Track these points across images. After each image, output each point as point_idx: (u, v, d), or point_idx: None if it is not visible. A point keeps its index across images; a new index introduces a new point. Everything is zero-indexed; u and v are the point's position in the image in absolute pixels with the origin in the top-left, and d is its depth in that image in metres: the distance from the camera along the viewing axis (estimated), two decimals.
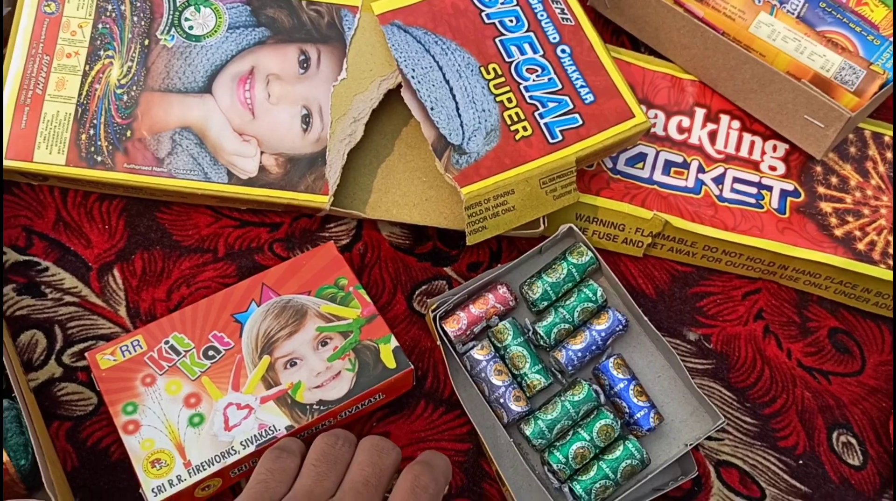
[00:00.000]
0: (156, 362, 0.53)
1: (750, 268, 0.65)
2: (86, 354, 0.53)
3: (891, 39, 0.68)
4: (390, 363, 0.53)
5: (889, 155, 0.69)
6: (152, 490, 0.49)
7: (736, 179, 0.66)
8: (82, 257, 0.57)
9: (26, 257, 0.57)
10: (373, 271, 0.60)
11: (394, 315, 0.59)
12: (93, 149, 0.56)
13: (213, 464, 0.50)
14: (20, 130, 0.56)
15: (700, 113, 0.68)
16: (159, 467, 0.50)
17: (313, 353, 0.53)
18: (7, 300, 0.56)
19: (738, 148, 0.67)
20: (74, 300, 0.56)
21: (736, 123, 0.68)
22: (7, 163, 0.55)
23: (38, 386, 0.53)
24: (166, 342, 0.53)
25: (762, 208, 0.65)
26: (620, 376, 0.58)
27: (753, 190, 0.66)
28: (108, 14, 0.59)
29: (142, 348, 0.53)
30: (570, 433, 0.56)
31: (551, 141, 0.59)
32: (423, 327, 0.59)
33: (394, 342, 0.55)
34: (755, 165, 0.67)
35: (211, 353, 0.53)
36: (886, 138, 0.69)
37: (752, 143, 0.68)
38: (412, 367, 0.54)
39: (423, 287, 0.61)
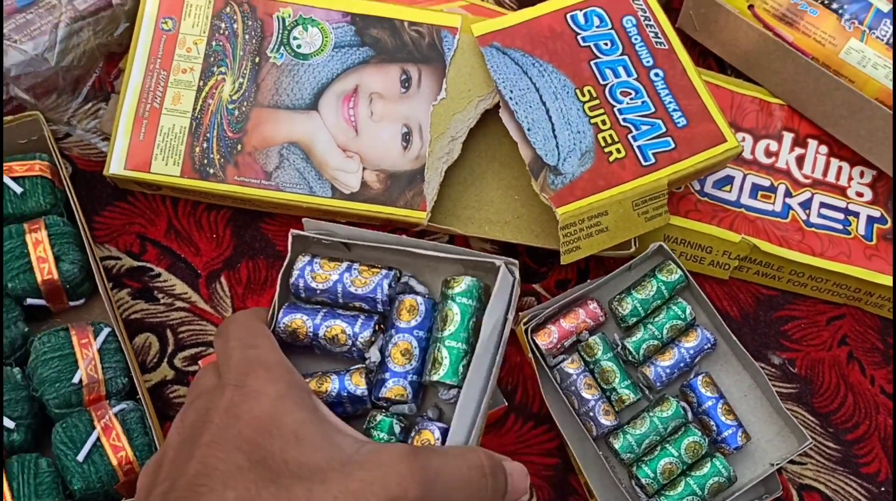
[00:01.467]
0: None
1: (835, 294, 0.65)
2: (199, 361, 0.56)
3: None
4: None
5: None
6: None
7: (823, 205, 0.67)
8: (192, 264, 0.60)
9: (140, 263, 0.60)
10: None
11: None
12: (206, 161, 0.59)
13: None
14: (139, 141, 0.59)
15: (788, 137, 0.69)
16: None
17: None
18: (123, 304, 0.58)
19: (825, 173, 0.68)
20: (185, 306, 0.59)
21: (823, 148, 0.69)
22: (126, 173, 0.58)
23: (152, 387, 0.56)
24: None
25: (849, 233, 0.66)
26: (709, 394, 0.59)
27: (840, 215, 0.66)
28: (221, 32, 0.62)
29: None
30: (659, 448, 0.58)
31: (644, 163, 0.60)
32: (513, 341, 0.61)
33: None
34: (842, 191, 0.67)
35: None
36: None
37: (840, 168, 0.68)
38: (506, 404, 0.56)
39: None
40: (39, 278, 0.53)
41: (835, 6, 0.69)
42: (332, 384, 0.44)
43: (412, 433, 0.45)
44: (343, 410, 0.45)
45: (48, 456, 0.49)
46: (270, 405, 0.37)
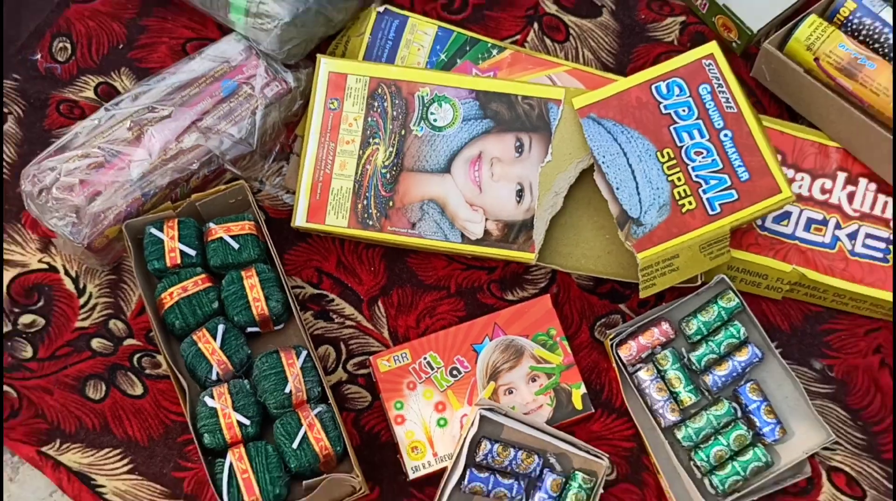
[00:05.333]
0: (416, 372, 0.75)
1: (872, 311, 0.79)
2: (368, 358, 0.76)
3: None
4: (578, 405, 0.74)
5: None
6: (412, 468, 0.72)
7: (868, 235, 0.80)
8: (356, 291, 0.80)
9: (318, 291, 0.80)
10: (564, 308, 0.79)
11: (579, 342, 0.79)
12: (366, 215, 0.77)
13: (450, 458, 0.72)
14: (316, 200, 0.78)
15: (841, 176, 0.81)
16: (417, 452, 0.73)
17: (525, 386, 0.74)
18: (308, 323, 0.79)
19: (872, 207, 0.81)
20: (353, 324, 0.79)
21: (873, 186, 0.81)
22: (307, 225, 0.77)
23: (332, 386, 0.77)
24: (424, 358, 0.75)
25: (888, 261, 0.79)
26: (754, 398, 0.75)
27: (882, 245, 0.79)
28: (374, 110, 0.79)
29: (408, 359, 0.76)
30: (712, 438, 0.75)
31: (711, 213, 0.75)
32: (601, 352, 0.78)
33: (583, 389, 0.75)
34: (886, 222, 0.80)
35: (455, 372, 0.75)
36: None
37: (886, 203, 0.81)
38: (593, 410, 0.74)
39: (602, 320, 0.80)
40: (255, 313, 0.73)
41: (891, 58, 0.80)
42: None
43: None
44: None
45: (271, 444, 0.70)
46: None
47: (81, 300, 0.80)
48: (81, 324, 0.79)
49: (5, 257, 0.81)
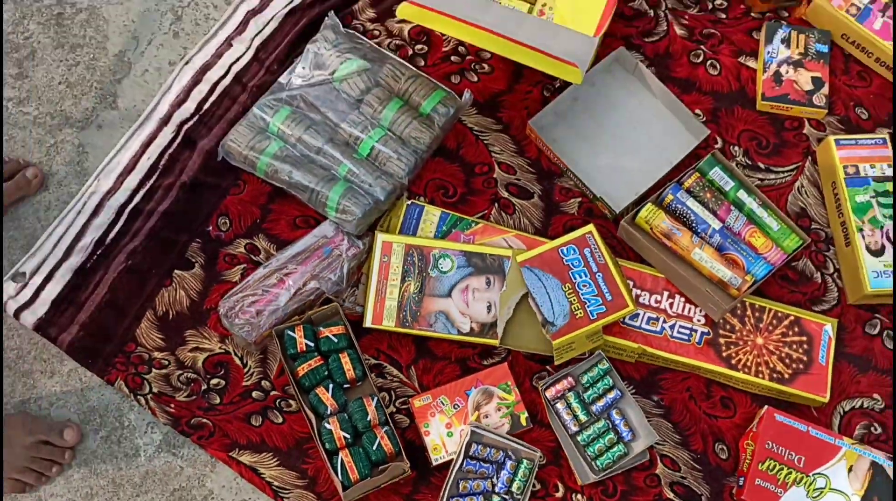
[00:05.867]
0: (435, 407, 1.37)
1: (683, 367, 1.43)
2: (409, 399, 1.38)
3: (767, 259, 1.43)
4: (524, 423, 1.37)
5: (751, 314, 1.44)
6: (434, 459, 1.35)
7: (680, 327, 1.44)
8: (399, 361, 1.42)
9: (378, 362, 1.42)
10: (515, 368, 1.42)
11: (524, 388, 1.41)
12: (404, 320, 1.40)
13: (455, 453, 1.34)
14: (377, 311, 1.40)
15: (665, 293, 1.46)
16: (436, 451, 1.35)
17: (495, 412, 1.37)
18: (376, 382, 1.41)
19: (682, 310, 1.45)
20: (398, 380, 1.41)
21: (682, 299, 1.45)
22: (372, 325, 1.39)
23: (389, 415, 1.39)
24: (439, 399, 1.37)
25: (690, 340, 1.43)
26: (618, 417, 1.39)
27: (687, 332, 1.43)
28: (408, 262, 1.41)
29: (430, 400, 1.38)
30: (595, 440, 1.38)
31: (591, 318, 1.38)
32: (536, 393, 1.41)
33: (526, 414, 1.38)
34: (689, 319, 1.44)
35: (456, 406, 1.37)
36: (757, 306, 1.45)
37: (689, 308, 1.45)
38: (532, 425, 1.37)
39: (536, 375, 1.43)
40: (347, 377, 1.36)
41: (690, 227, 1.44)
42: None
43: None
44: None
45: (361, 447, 1.32)
46: None
47: (245, 370, 1.41)
48: (246, 383, 1.41)
49: (201, 344, 1.42)
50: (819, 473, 1.36)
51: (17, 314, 1.44)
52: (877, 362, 1.44)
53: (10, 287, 1.43)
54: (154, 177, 1.48)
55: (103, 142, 1.50)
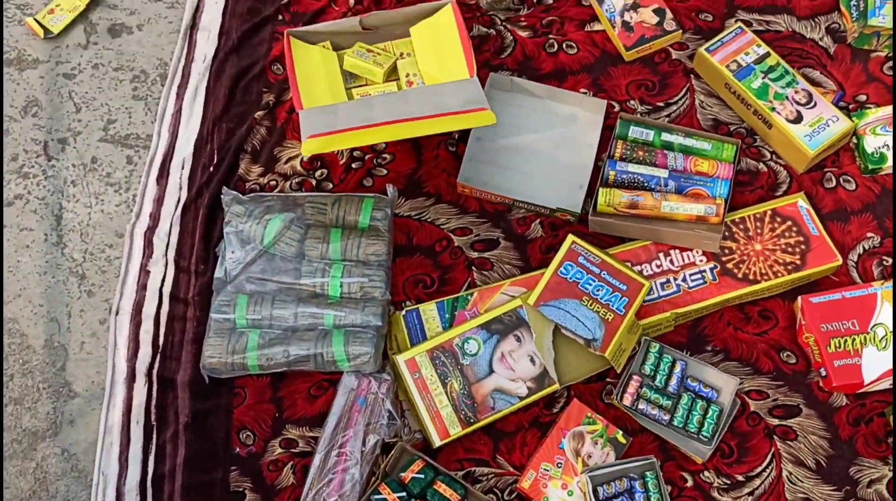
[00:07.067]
0: (544, 477, 1.34)
1: (710, 310, 1.48)
2: (514, 486, 1.35)
3: (720, 177, 1.49)
4: (623, 440, 1.36)
5: (737, 229, 1.51)
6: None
7: (690, 276, 1.48)
8: (484, 457, 1.38)
9: (466, 471, 1.37)
10: (582, 398, 1.42)
11: (601, 410, 1.41)
12: (467, 418, 1.36)
13: None
14: (439, 425, 1.36)
15: (661, 255, 1.50)
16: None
17: (595, 449, 1.35)
18: (472, 483, 1.37)
19: (683, 261, 1.49)
20: (492, 474, 1.37)
21: (677, 252, 1.50)
22: (441, 441, 1.35)
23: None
24: (542, 467, 1.34)
25: (706, 282, 1.47)
26: (693, 384, 1.41)
27: (699, 276, 1.48)
28: (439, 364, 1.38)
29: (535, 475, 1.35)
30: (690, 414, 1.40)
31: (621, 313, 1.40)
32: (612, 407, 1.41)
33: (621, 432, 1.37)
34: (693, 264, 1.49)
35: (559, 464, 1.35)
36: (737, 220, 1.51)
37: (687, 255, 1.50)
38: (631, 438, 1.37)
39: (604, 391, 1.43)
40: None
41: (645, 188, 1.49)
42: None
43: None
44: None
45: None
46: None
47: None
48: None
49: None
50: (875, 324, 1.44)
51: None
52: (851, 207, 1.54)
53: None
54: (154, 437, 1.38)
55: (85, 434, 1.38)
